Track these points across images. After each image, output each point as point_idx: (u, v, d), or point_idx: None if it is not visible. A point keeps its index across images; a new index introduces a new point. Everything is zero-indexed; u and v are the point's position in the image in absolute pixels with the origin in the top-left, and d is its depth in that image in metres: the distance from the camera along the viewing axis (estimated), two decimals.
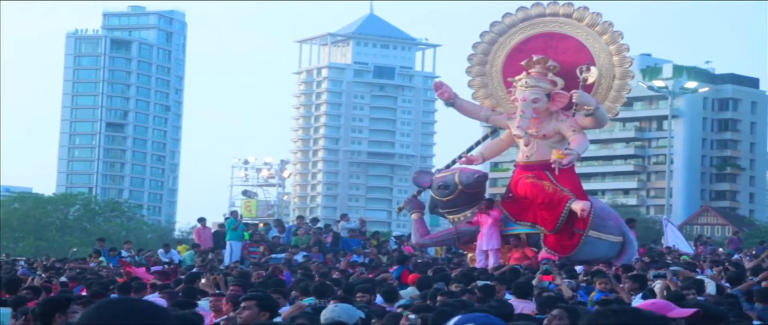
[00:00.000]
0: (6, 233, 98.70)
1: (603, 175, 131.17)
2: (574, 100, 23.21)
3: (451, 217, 24.72)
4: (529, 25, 25.03)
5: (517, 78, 23.92)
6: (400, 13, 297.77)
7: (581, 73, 23.48)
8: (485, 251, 23.44)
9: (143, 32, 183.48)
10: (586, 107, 23.22)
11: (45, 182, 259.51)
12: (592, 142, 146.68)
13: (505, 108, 24.83)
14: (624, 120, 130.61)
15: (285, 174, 54.56)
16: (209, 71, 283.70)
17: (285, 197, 57.89)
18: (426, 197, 25.74)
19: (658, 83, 77.77)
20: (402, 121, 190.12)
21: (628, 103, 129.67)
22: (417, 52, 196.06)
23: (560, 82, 23.75)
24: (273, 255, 29.68)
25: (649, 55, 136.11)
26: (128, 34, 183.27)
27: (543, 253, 23.01)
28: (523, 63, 24.00)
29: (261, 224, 38.04)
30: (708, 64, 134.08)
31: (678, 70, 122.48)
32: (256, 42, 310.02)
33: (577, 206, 22.97)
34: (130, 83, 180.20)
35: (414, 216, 25.74)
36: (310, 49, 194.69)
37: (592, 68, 23.71)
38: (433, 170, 27.26)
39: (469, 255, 24.63)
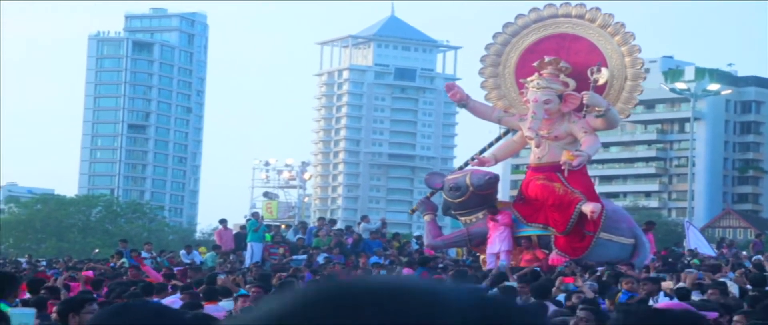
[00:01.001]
0: (29, 234, 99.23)
1: (624, 177, 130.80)
2: (584, 102, 23.14)
3: (463, 218, 24.67)
4: (541, 27, 24.99)
5: (529, 79, 23.87)
6: (421, 15, 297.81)
7: (592, 74, 23.43)
8: (496, 253, 23.38)
9: (165, 34, 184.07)
10: (597, 109, 23.15)
11: (67, 183, 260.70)
12: (614, 144, 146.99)
13: (517, 109, 24.76)
14: (646, 122, 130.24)
15: (306, 176, 54.62)
16: (231, 73, 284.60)
17: (306, 199, 57.96)
18: (439, 198, 25.70)
19: (680, 86, 77.48)
20: (423, 122, 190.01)
21: (650, 106, 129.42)
22: (438, 54, 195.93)
23: (572, 83, 23.69)
24: (294, 256, 29.70)
25: (671, 57, 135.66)
26: (150, 36, 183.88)
27: (554, 255, 22.91)
28: (535, 64, 23.95)
29: (282, 226, 38.09)
30: (730, 67, 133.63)
31: (700, 72, 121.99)
32: (278, 44, 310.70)
33: (587, 207, 22.84)
34: (151, 85, 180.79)
35: (427, 218, 25.71)
36: (331, 51, 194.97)
37: (603, 69, 23.64)
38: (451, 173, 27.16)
39: (482, 257, 24.59)
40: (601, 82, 23.68)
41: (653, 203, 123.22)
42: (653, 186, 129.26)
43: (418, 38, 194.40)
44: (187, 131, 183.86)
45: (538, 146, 23.90)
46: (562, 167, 23.32)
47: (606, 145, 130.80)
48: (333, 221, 36.21)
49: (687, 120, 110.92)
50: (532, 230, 23.68)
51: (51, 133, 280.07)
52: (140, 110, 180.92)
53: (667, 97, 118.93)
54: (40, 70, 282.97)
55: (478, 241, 24.33)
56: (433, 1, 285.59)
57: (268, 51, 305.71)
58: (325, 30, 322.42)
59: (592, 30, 24.47)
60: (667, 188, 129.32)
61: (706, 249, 30.82)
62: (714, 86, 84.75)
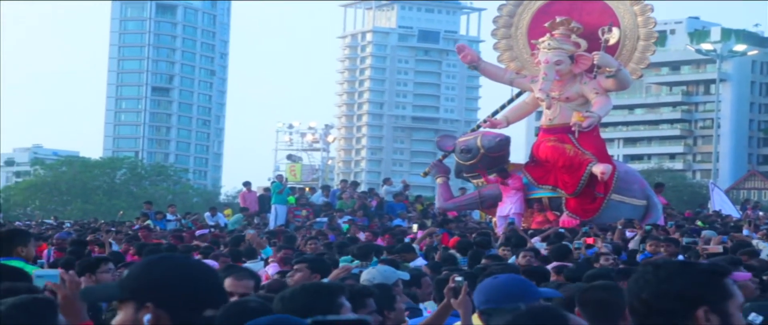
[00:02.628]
0: (54, 196, 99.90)
1: (649, 139, 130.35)
2: (595, 62, 22.98)
3: (474, 181, 24.59)
4: None
5: (540, 40, 23.70)
6: None
7: (603, 34, 23.27)
8: (506, 216, 23.28)
9: None
10: (607, 69, 23.00)
11: (92, 146, 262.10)
12: (639, 106, 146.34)
13: (530, 71, 24.61)
14: (671, 84, 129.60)
15: (329, 139, 54.55)
16: (254, 36, 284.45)
17: (329, 162, 57.93)
18: (453, 161, 25.60)
19: (705, 46, 76.99)
20: (446, 85, 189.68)
21: (676, 67, 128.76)
22: (462, 16, 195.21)
23: (583, 43, 23.50)
24: (317, 219, 29.78)
25: (697, 18, 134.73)
26: None
27: (565, 217, 22.81)
28: (546, 25, 23.78)
29: (306, 189, 38.16)
30: (757, 27, 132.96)
31: (726, 33, 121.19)
32: (301, 6, 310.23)
33: (598, 168, 22.69)
34: (175, 48, 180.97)
35: (439, 180, 25.63)
36: (354, 13, 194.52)
37: (614, 29, 23.46)
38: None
39: (493, 219, 24.53)
40: (612, 42, 23.52)
41: (678, 164, 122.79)
42: (678, 148, 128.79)
43: (441, 0, 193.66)
44: (211, 94, 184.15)
45: (549, 108, 23.75)
46: (572, 128, 23.18)
47: (631, 107, 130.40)
48: (356, 184, 36.21)
49: (712, 81, 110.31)
50: (542, 192, 23.56)
51: (75, 96, 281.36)
52: (164, 73, 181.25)
53: (693, 59, 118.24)
54: (64, 32, 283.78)
55: (490, 203, 24.25)
56: None
57: (291, 13, 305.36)
58: None
59: None
60: (691, 149, 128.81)
61: (731, 210, 30.75)
62: (740, 47, 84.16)
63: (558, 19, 23.67)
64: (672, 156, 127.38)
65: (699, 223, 24.04)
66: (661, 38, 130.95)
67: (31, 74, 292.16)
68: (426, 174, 26.94)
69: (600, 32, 23.32)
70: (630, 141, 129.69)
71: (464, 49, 25.40)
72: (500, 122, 25.32)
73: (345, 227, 26.95)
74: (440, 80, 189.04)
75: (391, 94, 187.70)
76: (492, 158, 23.95)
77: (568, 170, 23.19)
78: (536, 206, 23.50)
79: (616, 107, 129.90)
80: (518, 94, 26.01)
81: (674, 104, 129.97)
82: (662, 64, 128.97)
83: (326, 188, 36.07)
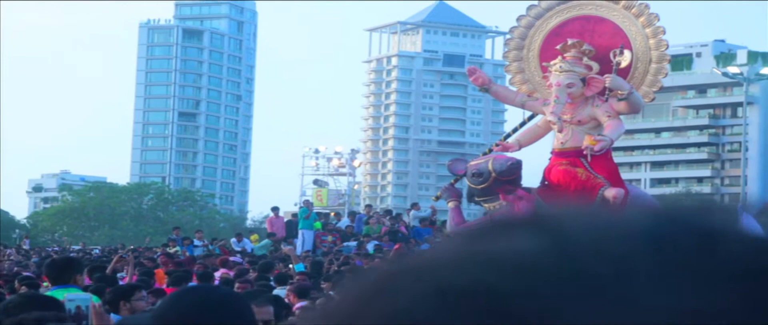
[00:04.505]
0: (82, 222, 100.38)
1: (676, 163, 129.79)
2: (606, 85, 22.89)
3: (486, 205, 24.45)
4: (565, 8, 24.71)
5: (551, 63, 23.63)
6: (470, 1, 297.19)
7: (614, 56, 23.19)
8: None
9: (215, 22, 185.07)
10: (619, 92, 22.91)
11: (119, 171, 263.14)
12: (665, 129, 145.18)
13: (542, 94, 24.48)
14: (698, 107, 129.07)
15: (355, 163, 54.73)
16: (280, 61, 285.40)
17: (355, 187, 58.07)
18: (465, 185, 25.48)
19: (732, 70, 76.59)
20: (472, 109, 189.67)
21: (702, 90, 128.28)
22: (487, 40, 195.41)
23: (595, 66, 23.38)
24: (345, 244, 29.77)
25: (723, 41, 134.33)
26: (200, 23, 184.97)
27: None
28: (558, 47, 23.72)
29: (332, 214, 38.20)
30: None
31: (753, 56, 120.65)
32: (327, 31, 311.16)
33: (610, 193, 22.53)
34: (201, 73, 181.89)
35: (451, 205, 25.44)
36: (380, 38, 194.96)
37: (626, 52, 23.33)
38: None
39: None
40: (623, 64, 23.39)
41: (706, 188, 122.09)
42: (705, 171, 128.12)
43: (466, 24, 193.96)
44: (237, 119, 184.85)
45: (560, 131, 23.59)
46: (584, 152, 23.06)
47: (657, 131, 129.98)
48: (388, 212, 36.02)
49: (739, 104, 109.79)
50: None
51: (103, 122, 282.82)
52: (190, 98, 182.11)
53: (719, 82, 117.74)
54: (91, 58, 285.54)
55: None
56: None
57: (317, 38, 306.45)
58: (373, 16, 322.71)
59: (616, 11, 24.16)
60: (719, 173, 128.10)
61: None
62: (766, 70, 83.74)
63: (569, 42, 23.57)
64: (700, 180, 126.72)
65: None
66: (687, 61, 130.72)
67: (59, 100, 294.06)
68: (437, 198, 26.78)
69: (611, 55, 23.23)
70: (657, 165, 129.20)
71: (475, 72, 25.29)
72: (512, 146, 25.18)
73: (372, 252, 26.93)
74: (466, 104, 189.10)
75: (416, 119, 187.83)
76: (504, 182, 23.85)
77: (580, 194, 23.09)
78: None
79: (642, 131, 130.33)
80: (530, 118, 25.91)
81: (701, 127, 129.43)
82: (689, 87, 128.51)
83: (353, 214, 36.08)
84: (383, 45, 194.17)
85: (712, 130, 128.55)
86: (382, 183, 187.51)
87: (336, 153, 54.93)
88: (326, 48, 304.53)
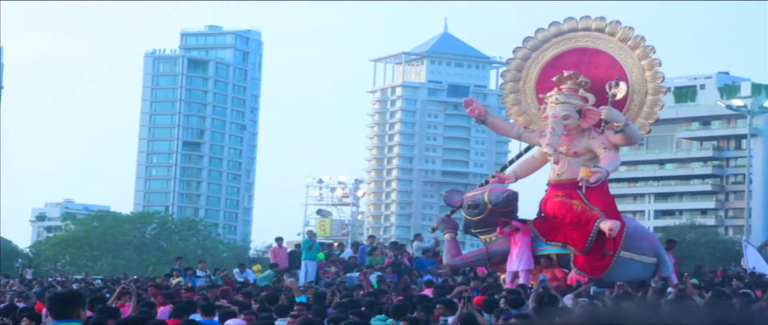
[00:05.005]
0: (85, 251, 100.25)
1: (680, 195, 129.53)
2: (601, 117, 22.81)
3: (482, 237, 24.30)
4: (562, 40, 24.66)
5: (548, 94, 23.56)
6: (474, 32, 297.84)
7: (610, 88, 23.10)
8: (516, 272, 23.00)
9: (220, 52, 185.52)
10: (615, 124, 22.81)
11: (123, 200, 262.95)
12: (670, 161, 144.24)
13: (538, 125, 24.39)
14: (702, 139, 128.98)
15: (359, 193, 54.60)
16: (284, 90, 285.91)
17: (359, 217, 57.92)
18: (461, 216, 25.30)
19: (736, 102, 76.60)
20: (476, 140, 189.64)
21: (706, 122, 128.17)
22: (491, 71, 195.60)
23: (591, 98, 23.31)
24: (348, 275, 29.67)
25: (726, 73, 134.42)
26: (205, 53, 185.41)
27: (573, 274, 22.44)
28: (554, 79, 23.66)
29: (335, 244, 38.10)
30: None
31: (756, 88, 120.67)
32: (331, 61, 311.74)
33: (606, 225, 22.33)
34: (206, 102, 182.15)
35: (447, 236, 25.34)
36: (384, 68, 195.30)
37: (621, 84, 23.28)
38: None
39: (502, 276, 24.24)
40: (619, 96, 23.31)
41: (710, 220, 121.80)
42: (710, 203, 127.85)
43: (471, 55, 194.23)
44: (241, 148, 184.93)
45: (556, 162, 23.51)
46: (580, 184, 22.92)
47: (661, 162, 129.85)
48: (396, 244, 35.83)
49: (743, 136, 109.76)
50: (551, 249, 23.21)
51: (107, 150, 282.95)
52: (195, 128, 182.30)
53: (723, 114, 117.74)
54: (96, 87, 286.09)
55: (498, 260, 23.91)
56: (486, 17, 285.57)
57: (321, 68, 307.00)
58: (378, 47, 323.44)
59: (612, 44, 24.12)
60: (723, 205, 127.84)
61: (765, 268, 30.38)
62: None
63: (566, 74, 23.53)
64: (704, 212, 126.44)
65: (693, 281, 23.45)
66: (691, 93, 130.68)
67: (63, 129, 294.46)
68: (434, 229, 26.78)
69: (607, 87, 23.16)
70: (661, 196, 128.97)
71: (471, 103, 25.30)
72: (509, 178, 25.12)
73: (375, 283, 26.83)
74: (470, 134, 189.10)
75: (420, 149, 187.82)
76: (499, 214, 23.71)
77: (576, 226, 22.88)
78: (544, 262, 23.15)
79: (646, 162, 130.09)
80: (527, 149, 25.82)
81: (705, 159, 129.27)
82: (693, 119, 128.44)
83: (356, 245, 35.98)
84: (388, 75, 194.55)
85: (716, 162, 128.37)
86: (385, 213, 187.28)
87: (340, 183, 54.82)
88: (331, 78, 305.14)
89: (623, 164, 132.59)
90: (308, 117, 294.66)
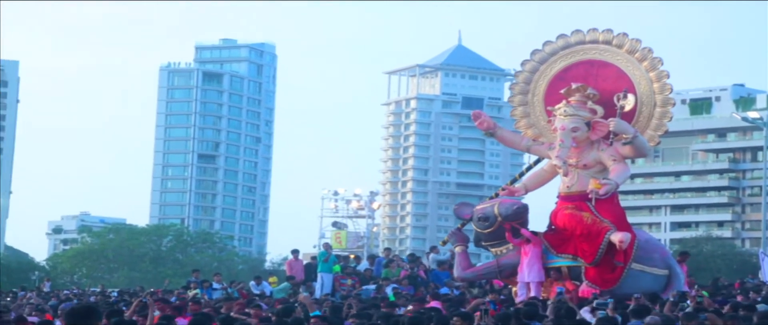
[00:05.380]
0: (101, 263, 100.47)
1: (696, 207, 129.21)
2: (610, 129, 22.77)
3: (493, 250, 24.26)
4: (569, 53, 24.61)
5: (556, 107, 23.53)
6: (488, 44, 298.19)
7: (618, 100, 23.07)
8: (527, 284, 22.96)
9: (234, 65, 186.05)
10: (624, 136, 22.78)
11: (139, 213, 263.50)
12: (686, 173, 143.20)
13: (547, 138, 24.35)
14: (718, 151, 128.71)
15: (374, 205, 54.70)
16: (299, 103, 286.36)
17: (374, 229, 58.00)
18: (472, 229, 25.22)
19: (752, 114, 76.43)
20: (491, 152, 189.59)
21: (722, 134, 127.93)
22: (505, 83, 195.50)
23: (600, 110, 23.27)
24: (364, 287, 29.65)
25: (742, 85, 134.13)
26: (220, 66, 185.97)
27: (584, 286, 22.37)
28: (562, 91, 23.64)
29: (352, 256, 38.13)
30: None
31: None
32: (345, 74, 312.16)
33: (616, 237, 22.24)
34: (221, 115, 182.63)
35: (457, 249, 25.25)
36: (398, 81, 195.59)
37: (629, 96, 23.22)
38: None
39: (514, 289, 24.20)
40: (627, 108, 23.25)
41: (726, 232, 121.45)
42: (726, 215, 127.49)
43: (485, 67, 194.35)
44: (256, 161, 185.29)
45: (566, 175, 23.46)
46: (589, 196, 22.86)
47: (677, 174, 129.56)
48: (414, 256, 35.82)
49: (759, 148, 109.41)
50: (561, 261, 23.14)
51: (123, 163, 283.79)
52: (210, 140, 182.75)
53: (739, 126, 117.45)
54: (111, 101, 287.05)
55: (508, 272, 23.82)
56: (501, 30, 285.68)
57: (336, 80, 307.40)
58: (392, 59, 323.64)
59: (619, 56, 24.06)
60: (740, 217, 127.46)
61: None
62: None
63: (574, 86, 23.51)
64: (720, 224, 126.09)
65: (704, 293, 23.30)
66: (707, 105, 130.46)
67: (79, 142, 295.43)
68: (444, 242, 26.65)
69: (615, 99, 23.13)
70: (677, 208, 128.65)
71: (480, 116, 25.27)
72: (518, 190, 25.06)
73: (391, 296, 26.82)
74: (484, 146, 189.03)
75: (435, 161, 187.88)
76: (510, 227, 23.66)
77: (586, 238, 22.82)
78: (554, 275, 23.10)
79: (662, 174, 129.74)
80: (536, 162, 25.78)
81: (721, 171, 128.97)
82: (708, 131, 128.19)
83: (372, 257, 35.97)
84: (402, 88, 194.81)
85: (733, 174, 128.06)
86: (401, 225, 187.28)
87: (355, 195, 54.97)
88: (345, 91, 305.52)
89: (639, 175, 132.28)
90: (323, 129, 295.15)
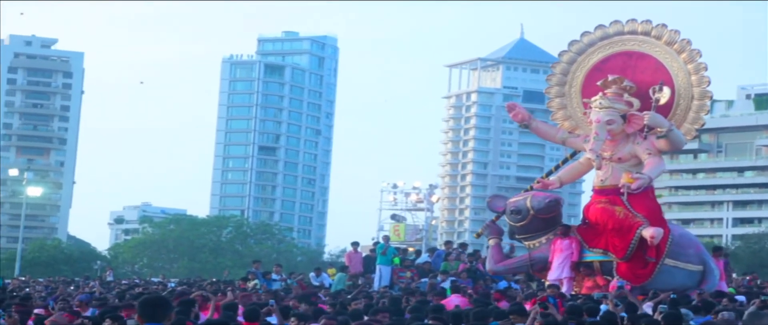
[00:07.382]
0: (162, 254, 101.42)
1: (759, 203, 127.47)
2: (645, 122, 22.42)
3: (526, 243, 24.04)
4: (607, 44, 24.27)
5: (592, 99, 23.22)
6: (550, 38, 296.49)
7: (653, 93, 22.73)
8: (559, 280, 22.68)
9: (296, 57, 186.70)
10: (659, 129, 22.41)
11: (199, 204, 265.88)
12: (748, 168, 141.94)
13: (584, 130, 24.02)
14: None
15: (433, 198, 54.46)
16: (359, 95, 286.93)
17: (433, 222, 57.81)
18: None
19: None
20: (551, 146, 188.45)
21: None
22: None
23: (636, 102, 22.91)
24: (422, 280, 29.62)
25: None
26: (281, 59, 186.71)
27: (615, 282, 22.04)
28: (599, 83, 23.32)
29: (411, 249, 38.08)
30: None
31: None
32: (406, 66, 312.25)
33: (648, 232, 21.86)
34: (282, 107, 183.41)
35: (491, 242, 25.05)
36: (459, 74, 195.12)
37: (665, 88, 22.85)
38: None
39: (547, 282, 24.00)
40: (663, 101, 22.87)
41: None
42: None
43: (547, 61, 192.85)
44: (316, 153, 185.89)
45: (600, 168, 23.13)
46: (621, 190, 22.55)
47: (740, 170, 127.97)
48: (464, 245, 35.88)
49: None
50: (593, 256, 22.84)
51: (184, 154, 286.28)
52: (271, 132, 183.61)
53: None
54: (173, 92, 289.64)
55: (540, 266, 23.59)
56: (563, 23, 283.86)
57: (396, 73, 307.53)
58: (454, 53, 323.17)
59: (658, 47, 23.67)
60: None
61: None
62: None
63: (610, 78, 23.19)
64: None
65: (730, 290, 22.87)
66: None
67: (141, 133, 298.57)
68: (478, 235, 26.61)
69: (651, 91, 22.80)
70: (740, 204, 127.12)
71: (514, 108, 25.07)
72: (553, 183, 24.79)
73: (448, 290, 26.75)
74: (544, 141, 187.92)
75: (495, 154, 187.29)
76: (542, 220, 23.37)
77: (617, 233, 22.49)
78: (584, 271, 22.83)
79: (725, 169, 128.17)
80: (573, 155, 25.51)
81: None
82: (704, 124, 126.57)
83: (432, 250, 35.90)
84: (463, 81, 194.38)
85: None
86: (459, 218, 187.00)
87: (414, 188, 54.74)
88: (406, 83, 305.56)
89: (702, 171, 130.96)
90: (383, 122, 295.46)
